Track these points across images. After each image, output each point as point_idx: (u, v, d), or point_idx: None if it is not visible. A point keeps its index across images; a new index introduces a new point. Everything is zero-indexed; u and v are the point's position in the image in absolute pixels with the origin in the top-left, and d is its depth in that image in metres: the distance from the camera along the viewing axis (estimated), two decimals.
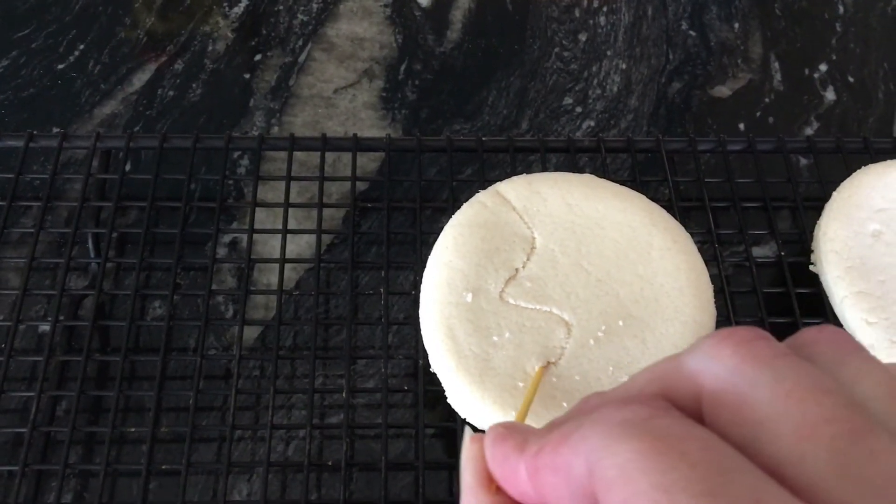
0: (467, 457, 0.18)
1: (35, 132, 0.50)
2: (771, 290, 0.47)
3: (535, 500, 0.17)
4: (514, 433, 0.17)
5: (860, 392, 0.15)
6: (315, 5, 0.66)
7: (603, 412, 0.15)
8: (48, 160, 0.54)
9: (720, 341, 0.16)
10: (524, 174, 0.46)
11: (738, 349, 0.16)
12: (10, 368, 0.43)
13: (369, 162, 0.56)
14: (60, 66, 0.60)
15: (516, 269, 0.42)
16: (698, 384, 0.16)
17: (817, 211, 0.48)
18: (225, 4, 0.65)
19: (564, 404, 0.38)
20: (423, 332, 0.41)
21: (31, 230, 0.47)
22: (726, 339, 0.16)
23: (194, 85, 0.60)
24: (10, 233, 0.50)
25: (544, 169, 0.49)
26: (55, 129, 0.55)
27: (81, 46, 0.62)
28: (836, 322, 0.44)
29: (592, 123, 0.60)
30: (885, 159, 0.50)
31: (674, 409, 0.15)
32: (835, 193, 0.48)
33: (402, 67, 0.63)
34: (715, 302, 0.42)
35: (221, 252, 0.52)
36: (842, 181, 0.48)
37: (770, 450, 0.14)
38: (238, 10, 0.65)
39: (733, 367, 0.15)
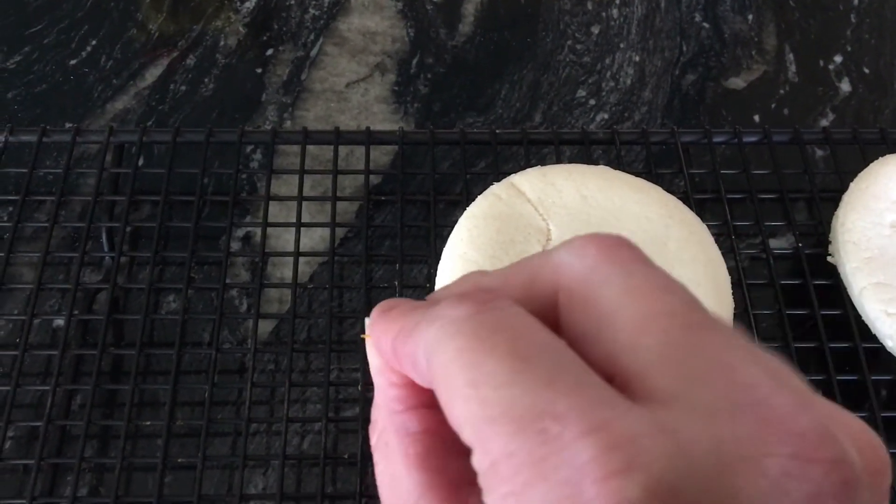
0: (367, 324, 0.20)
1: (48, 127, 0.50)
2: (788, 282, 0.46)
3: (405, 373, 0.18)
4: (384, 317, 0.18)
5: None
6: None
7: (441, 307, 0.16)
8: (61, 155, 0.54)
9: (586, 241, 0.17)
10: (538, 166, 0.46)
11: (601, 250, 0.16)
12: (25, 363, 0.43)
13: (382, 155, 0.55)
14: (73, 62, 0.61)
15: None
16: (558, 276, 0.17)
17: (834, 202, 0.48)
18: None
19: None
20: None
21: (45, 225, 0.47)
22: (592, 240, 0.17)
23: (206, 80, 0.60)
24: (25, 227, 0.50)
25: (558, 161, 0.49)
26: (68, 125, 0.55)
27: (93, 42, 0.62)
28: (855, 314, 0.44)
29: (606, 116, 0.60)
30: None
31: (503, 301, 0.16)
32: (852, 184, 0.47)
33: (415, 61, 0.62)
34: (732, 294, 0.42)
35: (235, 246, 0.51)
36: (859, 172, 0.48)
37: (608, 340, 0.15)
38: (249, 4, 0.65)
39: (592, 265, 0.16)
